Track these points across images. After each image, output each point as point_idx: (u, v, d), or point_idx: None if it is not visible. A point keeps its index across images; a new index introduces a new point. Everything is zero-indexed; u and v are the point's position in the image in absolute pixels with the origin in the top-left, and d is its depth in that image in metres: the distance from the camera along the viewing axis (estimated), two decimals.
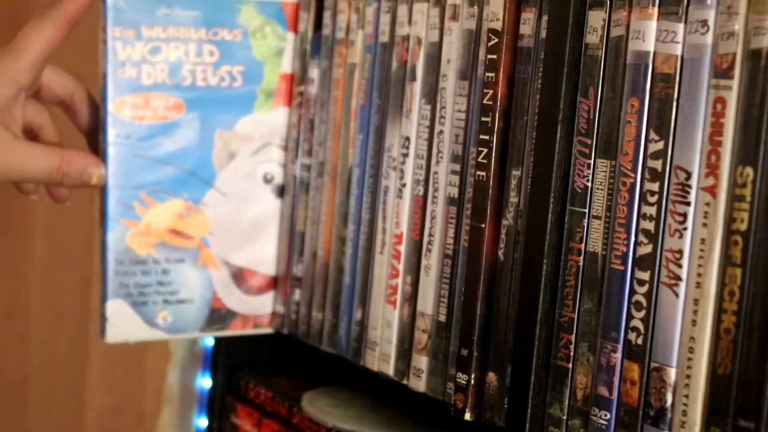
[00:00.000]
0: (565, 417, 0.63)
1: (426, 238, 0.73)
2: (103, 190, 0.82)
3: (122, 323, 0.84)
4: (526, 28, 0.66)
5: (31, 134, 0.78)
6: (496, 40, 0.68)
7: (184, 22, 0.83)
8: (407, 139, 0.75)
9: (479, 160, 0.69)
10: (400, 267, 0.76)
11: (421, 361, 0.73)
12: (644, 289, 0.59)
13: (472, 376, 0.69)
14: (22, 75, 0.71)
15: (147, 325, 0.85)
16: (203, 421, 0.97)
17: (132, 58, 0.81)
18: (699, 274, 0.56)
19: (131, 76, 0.81)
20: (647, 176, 0.59)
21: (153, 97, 0.82)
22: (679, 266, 0.57)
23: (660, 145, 0.58)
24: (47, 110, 0.79)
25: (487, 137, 0.68)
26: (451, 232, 0.72)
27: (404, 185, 0.76)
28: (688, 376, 0.56)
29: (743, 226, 0.53)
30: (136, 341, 0.85)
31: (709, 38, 0.56)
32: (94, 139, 0.82)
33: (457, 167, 0.71)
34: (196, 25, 0.84)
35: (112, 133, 0.81)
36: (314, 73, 0.85)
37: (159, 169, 0.83)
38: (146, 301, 0.84)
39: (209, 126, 0.85)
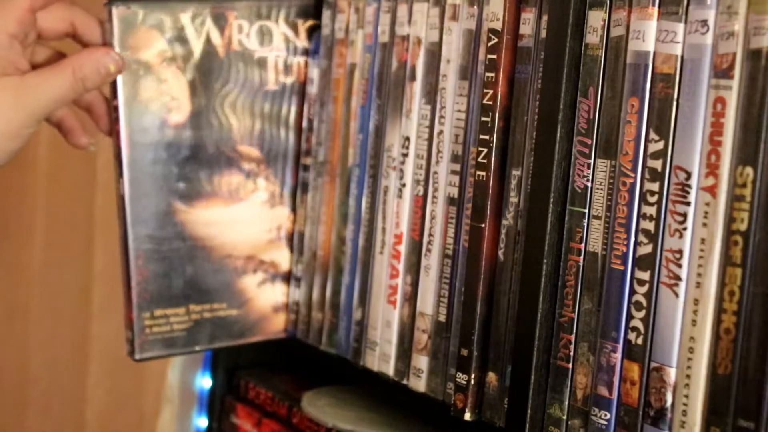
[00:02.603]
0: (565, 417, 0.63)
1: (426, 238, 0.73)
2: None
3: None
4: (526, 28, 0.66)
5: None
6: (496, 40, 0.68)
7: None
8: (407, 139, 0.75)
9: (479, 160, 0.69)
10: (400, 267, 0.76)
11: (421, 361, 0.73)
12: (644, 289, 0.59)
13: (472, 376, 0.69)
14: (10, 24, 0.72)
15: None
16: (203, 421, 0.97)
17: None
18: (699, 274, 0.56)
19: None
20: (647, 176, 0.59)
21: None
22: (679, 266, 0.57)
23: (660, 145, 0.58)
24: (55, 51, 0.78)
25: (487, 137, 0.68)
26: (451, 232, 0.71)
27: (404, 185, 0.75)
28: (688, 376, 0.56)
29: (743, 226, 0.53)
30: None
31: (709, 38, 0.56)
32: None
33: (457, 167, 0.71)
34: None
35: None
36: (314, 72, 0.85)
37: None
38: None
39: None
